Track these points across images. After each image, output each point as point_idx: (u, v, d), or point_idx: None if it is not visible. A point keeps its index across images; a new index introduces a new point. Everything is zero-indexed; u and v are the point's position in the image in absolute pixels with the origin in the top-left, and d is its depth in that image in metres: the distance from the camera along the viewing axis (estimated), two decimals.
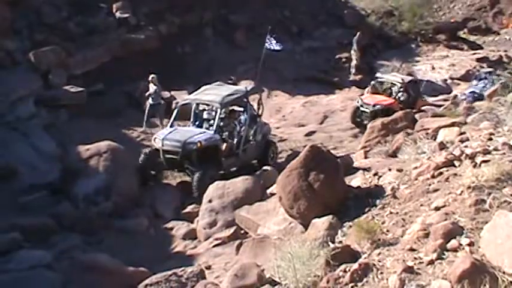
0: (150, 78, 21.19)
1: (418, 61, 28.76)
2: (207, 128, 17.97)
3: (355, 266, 7.71)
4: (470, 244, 7.06)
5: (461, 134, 11.68)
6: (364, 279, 7.49)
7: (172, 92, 22.88)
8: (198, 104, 18.64)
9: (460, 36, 31.74)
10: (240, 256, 11.16)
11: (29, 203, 15.14)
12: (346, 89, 25.32)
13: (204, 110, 18.60)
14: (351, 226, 9.39)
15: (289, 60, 26.70)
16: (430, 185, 9.50)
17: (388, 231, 8.73)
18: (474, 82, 25.01)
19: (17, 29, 22.50)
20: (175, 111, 18.51)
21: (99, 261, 10.38)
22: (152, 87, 21.22)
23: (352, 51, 26.47)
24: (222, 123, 18.07)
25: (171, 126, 18.02)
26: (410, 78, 23.86)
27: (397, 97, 22.62)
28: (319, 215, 9.97)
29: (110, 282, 9.79)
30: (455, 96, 23.48)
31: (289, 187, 10.50)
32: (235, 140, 18.20)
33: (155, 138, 17.50)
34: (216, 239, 12.80)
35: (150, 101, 21.27)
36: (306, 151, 10.76)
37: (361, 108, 22.40)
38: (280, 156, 19.36)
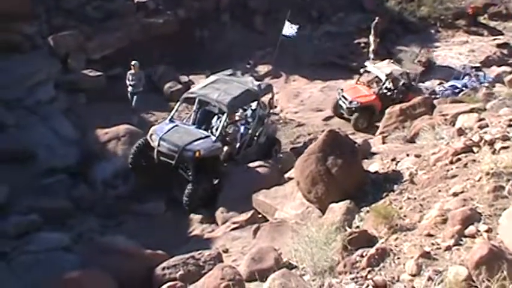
0: (132, 64, 19.94)
1: (437, 47, 28.50)
2: (209, 129, 16.24)
3: (372, 250, 7.73)
4: (488, 230, 7.05)
5: (481, 120, 11.61)
6: (381, 264, 7.52)
7: (191, 77, 22.90)
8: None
9: (480, 22, 31.41)
10: (257, 240, 11.22)
11: (48, 186, 15.27)
12: (365, 74, 25.17)
13: (208, 107, 16.75)
14: (368, 211, 9.39)
15: (308, 45, 26.59)
16: (448, 170, 9.48)
17: (405, 216, 8.73)
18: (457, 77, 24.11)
19: (35, 14, 22.57)
20: (177, 104, 16.87)
21: (117, 244, 10.47)
22: (132, 75, 19.95)
23: (371, 36, 26.29)
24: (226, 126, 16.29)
25: (170, 121, 16.16)
26: (400, 70, 22.11)
27: (381, 91, 21.33)
28: (336, 200, 9.99)
29: (128, 265, 9.85)
30: (434, 91, 23.05)
31: (307, 171, 10.52)
32: (237, 144, 16.66)
33: (152, 134, 15.58)
34: (234, 223, 12.86)
35: (129, 89, 19.93)
36: (323, 136, 10.77)
37: (340, 102, 21.40)
38: (298, 141, 19.30)
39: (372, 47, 26.23)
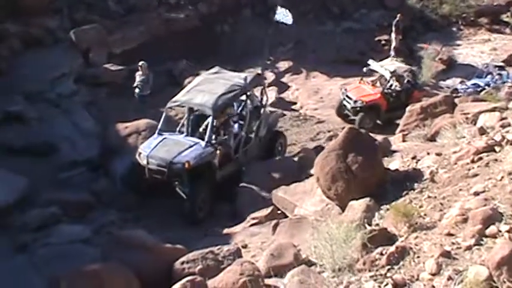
0: (139, 65, 19.56)
1: (459, 45, 28.33)
2: (199, 136, 15.37)
3: (392, 249, 7.73)
4: (510, 230, 7.02)
5: (503, 119, 11.53)
6: (401, 263, 7.52)
7: None
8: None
9: (502, 20, 31.13)
10: (276, 236, 11.22)
11: (68, 179, 15.40)
12: None
13: (195, 113, 15.98)
14: (388, 209, 9.36)
15: (329, 41, 26.54)
16: (469, 169, 9.44)
17: (425, 215, 8.71)
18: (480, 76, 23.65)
19: (57, 8, 22.73)
20: (163, 115, 15.73)
21: (137, 238, 10.47)
22: (140, 76, 19.55)
23: (392, 34, 26.16)
24: (216, 128, 15.55)
25: (158, 134, 15.31)
26: (405, 68, 21.75)
27: (385, 90, 20.97)
28: (356, 197, 9.97)
29: (147, 258, 9.86)
30: (455, 89, 22.87)
31: (327, 168, 10.50)
32: (234, 142, 15.74)
33: (140, 153, 14.85)
34: (253, 219, 12.88)
35: (137, 91, 19.51)
36: (344, 133, 10.75)
37: (344, 102, 20.95)
38: (318, 138, 19.22)
39: (393, 45, 26.11)
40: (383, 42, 27.07)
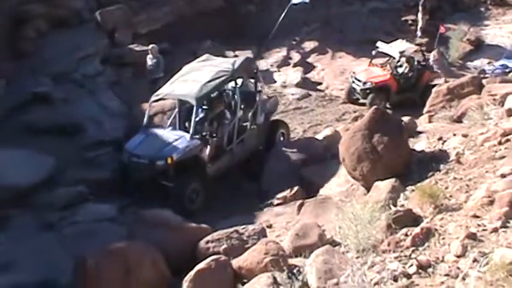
0: (149, 48, 19.12)
1: (487, 25, 27.90)
2: (186, 130, 14.52)
3: (417, 230, 7.73)
4: None
5: None
6: (426, 244, 7.52)
7: (236, 52, 22.88)
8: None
9: None
10: (301, 216, 11.27)
11: (94, 158, 15.49)
12: None
13: (186, 105, 14.97)
14: (413, 190, 9.37)
15: (354, 21, 26.30)
16: (496, 151, 9.39)
17: (451, 196, 8.69)
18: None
19: None
20: (147, 111, 15.01)
21: (163, 217, 10.55)
22: (151, 59, 19.01)
23: (419, 14, 25.86)
24: (206, 116, 14.81)
25: (143, 130, 14.60)
26: (413, 48, 21.33)
27: (395, 71, 20.55)
28: (381, 178, 9.98)
29: (173, 237, 9.95)
30: (483, 70, 22.51)
31: (352, 149, 10.52)
32: (226, 132, 14.70)
33: (125, 149, 14.24)
34: (278, 199, 12.89)
35: (150, 74, 18.91)
36: (370, 113, 10.74)
37: (353, 85, 20.53)
38: (343, 118, 19.11)
39: (419, 25, 25.81)
40: (409, 22, 26.77)
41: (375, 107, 11.16)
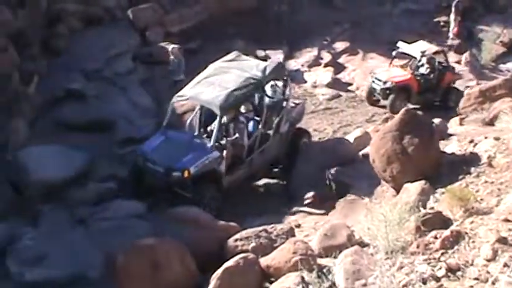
0: (170, 49, 18.89)
1: None
2: (208, 135, 13.85)
3: (447, 233, 7.68)
4: None
5: None
6: (455, 247, 7.47)
7: (267, 52, 22.93)
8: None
9: None
10: (330, 216, 11.26)
11: (124, 155, 15.60)
12: None
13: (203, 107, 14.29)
14: (443, 193, 9.31)
15: (386, 22, 26.18)
16: None
17: (482, 200, 8.63)
18: None
19: None
20: (169, 111, 14.43)
21: (191, 215, 10.63)
22: (172, 61, 18.64)
23: (452, 15, 25.62)
24: (225, 126, 14.01)
25: (162, 132, 14.05)
26: (435, 49, 20.92)
27: (416, 72, 19.98)
28: (411, 180, 9.93)
29: (201, 235, 10.01)
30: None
31: (382, 150, 10.49)
32: (247, 142, 13.95)
33: (139, 154, 13.79)
34: (307, 199, 12.88)
35: (171, 76, 18.53)
36: (401, 114, 10.70)
37: (372, 85, 20.03)
38: (373, 119, 19.00)
39: (452, 26, 25.59)
40: (442, 23, 26.54)
41: (405, 108, 11.06)
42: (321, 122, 18.81)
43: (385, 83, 19.69)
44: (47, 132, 15.71)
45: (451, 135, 13.46)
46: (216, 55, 18.00)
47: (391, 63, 20.85)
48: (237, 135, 13.88)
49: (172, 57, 18.71)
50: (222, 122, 13.80)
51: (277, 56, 22.55)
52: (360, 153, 13.97)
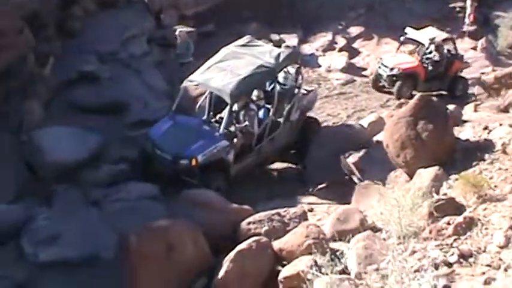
0: (177, 33, 18.75)
1: None
2: (217, 121, 13.68)
3: (460, 219, 7.70)
4: None
5: None
6: (468, 233, 7.49)
7: (282, 35, 22.88)
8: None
9: None
10: (343, 200, 11.27)
11: (138, 137, 15.64)
12: (459, 39, 24.47)
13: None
14: (457, 179, 9.31)
15: (401, 7, 26.00)
16: None
17: (496, 186, 8.62)
18: None
19: None
20: (179, 95, 14.20)
21: (204, 197, 10.67)
22: (180, 44, 18.61)
23: (468, 1, 25.40)
24: (235, 113, 13.71)
25: (170, 116, 13.83)
26: (444, 36, 20.43)
27: (423, 59, 19.74)
28: (425, 165, 9.93)
29: (214, 217, 10.05)
30: None
31: (396, 135, 10.49)
32: (256, 129, 13.64)
33: (147, 136, 13.67)
34: (320, 183, 12.89)
35: (178, 59, 18.58)
36: (415, 100, 10.68)
37: (379, 71, 19.86)
38: (387, 104, 18.90)
39: (468, 12, 25.36)
40: (457, 9, 26.32)
41: (420, 93, 11.03)
42: (334, 106, 18.78)
43: (391, 69, 19.49)
44: (61, 114, 15.76)
45: (465, 121, 13.41)
46: (230, 38, 18.02)
47: (398, 49, 20.67)
48: (246, 122, 13.65)
49: (179, 40, 18.63)
50: (233, 109, 13.52)
51: (291, 40, 22.54)
52: (374, 138, 13.94)
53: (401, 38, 20.54)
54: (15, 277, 10.27)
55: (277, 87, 14.18)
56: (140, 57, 19.63)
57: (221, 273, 8.59)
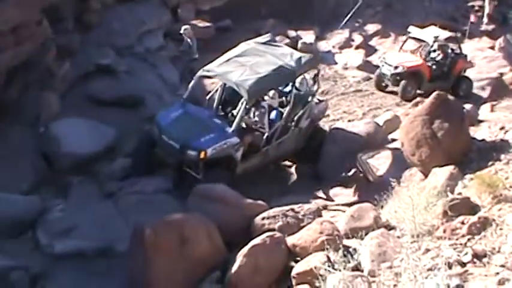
0: (182, 30, 18.29)
1: None
2: (228, 116, 13.40)
3: (474, 219, 7.69)
4: None
5: None
6: (482, 233, 7.48)
7: (299, 32, 22.88)
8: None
9: None
10: (357, 198, 11.27)
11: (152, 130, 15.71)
12: (477, 38, 24.36)
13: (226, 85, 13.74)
14: (472, 178, 9.29)
15: (418, 6, 25.92)
16: None
17: (511, 187, 8.58)
18: None
19: None
20: (191, 84, 13.79)
21: (219, 192, 10.67)
22: (186, 41, 18.26)
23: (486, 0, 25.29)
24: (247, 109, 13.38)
25: (181, 105, 13.47)
26: (448, 34, 20.32)
27: (428, 57, 19.71)
28: (440, 164, 9.91)
29: (228, 212, 10.04)
30: None
31: (412, 134, 10.48)
32: (266, 131, 13.38)
33: (156, 121, 13.25)
34: (335, 180, 12.89)
35: (184, 56, 18.45)
36: (431, 98, 10.66)
37: (382, 70, 19.73)
38: (403, 102, 18.84)
39: (486, 11, 25.23)
40: (476, 8, 26.18)
41: (437, 92, 10.98)
42: (350, 104, 18.80)
43: (395, 67, 19.36)
44: (78, 107, 15.85)
45: (481, 121, 13.38)
46: (247, 34, 18.03)
47: (401, 48, 20.54)
48: (256, 119, 13.53)
49: (185, 38, 18.31)
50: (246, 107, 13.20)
51: (308, 36, 22.53)
52: (389, 136, 13.94)
53: (404, 37, 20.54)
54: (31, 268, 10.35)
55: (294, 91, 13.88)
56: (156, 51, 19.77)
57: (234, 268, 8.61)
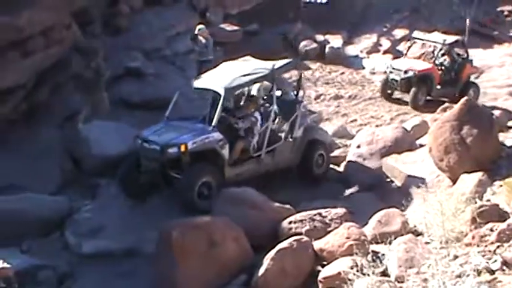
0: (196, 31, 17.94)
1: None
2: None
3: (503, 226, 7.63)
4: None
5: None
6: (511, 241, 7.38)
7: (326, 36, 22.89)
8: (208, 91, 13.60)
9: None
10: (384, 203, 11.21)
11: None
12: (506, 44, 24.16)
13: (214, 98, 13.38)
14: (501, 185, 9.21)
15: (446, 10, 25.75)
16: None
17: None
18: None
19: None
20: (173, 100, 13.69)
21: (247, 195, 10.71)
22: (201, 41, 17.87)
23: None
24: (233, 113, 13.30)
25: (164, 122, 13.24)
26: (455, 38, 19.84)
27: (436, 62, 19.38)
28: (468, 171, 9.85)
29: (256, 216, 10.11)
30: None
31: (440, 139, 10.42)
32: (255, 138, 13.16)
33: (137, 135, 12.84)
34: (362, 185, 12.86)
35: (198, 57, 17.99)
36: (460, 104, 10.59)
37: (390, 76, 19.18)
38: (431, 110, 18.64)
39: None
40: (505, 13, 25.91)
41: (465, 98, 10.93)
42: (378, 109, 18.72)
43: (405, 72, 18.97)
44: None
45: (511, 127, 13.26)
46: (274, 37, 18.08)
47: (406, 54, 20.32)
48: (243, 124, 13.22)
49: (200, 38, 17.95)
50: (236, 115, 13.18)
51: (335, 41, 22.53)
52: (417, 142, 13.86)
53: (409, 43, 20.44)
54: (59, 267, 10.49)
55: (276, 92, 13.69)
56: (184, 54, 19.84)
57: (261, 271, 8.65)
